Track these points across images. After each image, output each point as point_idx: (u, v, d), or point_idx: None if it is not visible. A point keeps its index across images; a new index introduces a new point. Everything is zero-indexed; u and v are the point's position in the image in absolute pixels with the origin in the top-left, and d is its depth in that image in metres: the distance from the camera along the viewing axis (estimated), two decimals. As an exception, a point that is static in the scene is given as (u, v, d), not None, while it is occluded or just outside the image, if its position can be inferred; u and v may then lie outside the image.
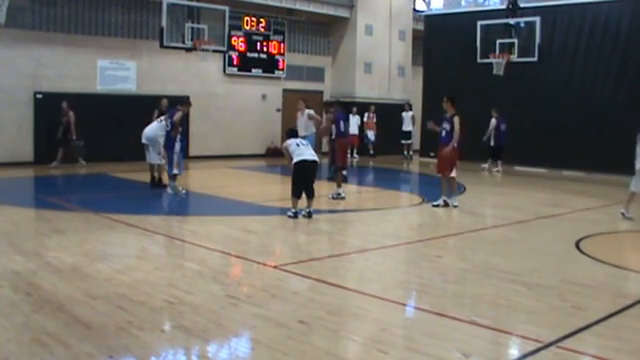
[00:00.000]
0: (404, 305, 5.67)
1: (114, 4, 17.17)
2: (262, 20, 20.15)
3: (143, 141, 12.09)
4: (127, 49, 17.40)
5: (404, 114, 21.00)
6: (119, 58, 17.30)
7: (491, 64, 17.47)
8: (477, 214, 10.94)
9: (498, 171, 17.39)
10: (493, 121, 17.34)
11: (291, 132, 10.08)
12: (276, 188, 13.81)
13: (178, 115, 11.34)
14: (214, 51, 16.04)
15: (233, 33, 18.67)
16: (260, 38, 20.18)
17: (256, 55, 20.14)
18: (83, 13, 16.66)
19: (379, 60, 22.36)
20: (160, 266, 6.62)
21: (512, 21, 17.41)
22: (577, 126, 17.02)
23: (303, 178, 9.32)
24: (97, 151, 16.09)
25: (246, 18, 19.74)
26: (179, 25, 15.08)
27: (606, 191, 13.96)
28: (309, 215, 9.33)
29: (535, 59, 16.98)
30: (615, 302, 5.56)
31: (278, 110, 20.97)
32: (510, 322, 5.07)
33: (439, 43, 20.42)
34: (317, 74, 22.01)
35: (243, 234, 8.31)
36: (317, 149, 11.33)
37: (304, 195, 9.34)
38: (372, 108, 21.07)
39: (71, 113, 15.31)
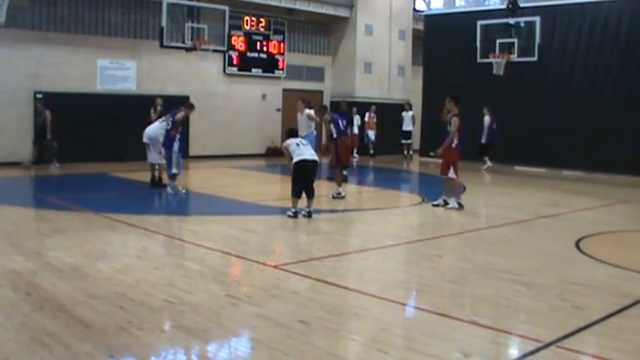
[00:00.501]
0: (404, 305, 5.66)
1: (114, 4, 17.17)
2: (262, 20, 20.16)
3: (144, 140, 12.09)
4: (127, 49, 17.41)
5: (404, 114, 21.01)
6: (119, 58, 17.30)
7: (491, 64, 17.49)
8: (477, 214, 10.96)
9: (488, 168, 17.45)
10: (487, 119, 17.42)
11: (291, 132, 10.10)
12: (276, 188, 13.81)
13: (180, 115, 11.38)
14: (214, 51, 16.05)
15: (233, 33, 18.67)
16: (260, 38, 20.18)
17: (256, 55, 20.15)
18: (83, 13, 16.66)
19: (379, 60, 22.36)
20: (160, 266, 6.61)
21: (512, 21, 17.42)
22: (577, 126, 17.01)
23: (303, 178, 9.33)
24: (97, 151, 16.13)
25: (246, 18, 19.75)
26: (179, 25, 15.08)
27: (606, 191, 13.97)
28: (309, 215, 9.33)
29: (535, 59, 16.99)
30: (615, 302, 5.55)
31: (278, 110, 20.98)
32: (510, 322, 5.07)
33: (439, 43, 20.42)
34: (317, 74, 22.02)
35: (243, 234, 8.31)
36: (317, 149, 11.35)
37: (304, 195, 9.35)
38: (373, 108, 21.10)
39: (47, 112, 14.94)
